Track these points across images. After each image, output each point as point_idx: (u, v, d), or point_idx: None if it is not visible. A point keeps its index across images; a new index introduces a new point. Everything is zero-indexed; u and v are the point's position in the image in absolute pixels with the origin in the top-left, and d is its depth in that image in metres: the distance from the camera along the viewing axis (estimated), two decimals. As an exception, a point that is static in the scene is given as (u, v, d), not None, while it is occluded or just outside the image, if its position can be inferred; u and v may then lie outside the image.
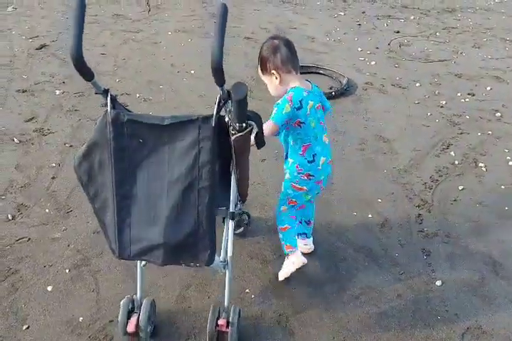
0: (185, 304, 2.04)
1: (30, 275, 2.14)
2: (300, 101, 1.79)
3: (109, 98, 1.38)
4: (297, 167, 1.92)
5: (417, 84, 4.14)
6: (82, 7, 1.24)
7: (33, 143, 3.06)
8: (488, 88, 4.13)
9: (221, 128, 1.37)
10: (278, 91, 1.86)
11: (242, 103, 1.29)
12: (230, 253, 1.67)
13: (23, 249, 2.28)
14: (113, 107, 1.38)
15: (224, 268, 1.71)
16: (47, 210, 2.51)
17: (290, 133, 1.89)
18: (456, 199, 2.74)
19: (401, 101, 3.86)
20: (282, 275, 2.09)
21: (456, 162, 3.09)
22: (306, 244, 2.29)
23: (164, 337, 1.89)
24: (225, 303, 1.77)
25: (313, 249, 2.31)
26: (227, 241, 1.69)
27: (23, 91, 3.69)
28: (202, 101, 3.71)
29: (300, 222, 2.20)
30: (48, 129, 3.21)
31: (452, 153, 3.18)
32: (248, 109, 1.39)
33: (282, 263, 2.13)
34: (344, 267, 2.25)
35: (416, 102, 3.82)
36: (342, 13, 5.99)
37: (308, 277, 2.18)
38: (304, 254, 2.10)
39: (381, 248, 2.37)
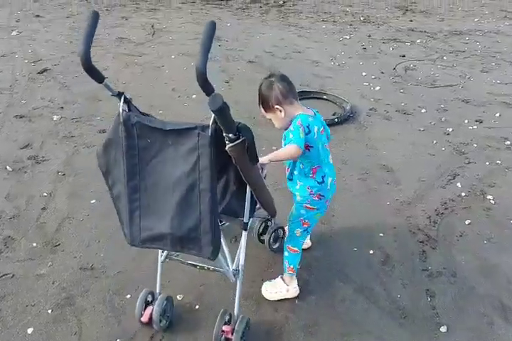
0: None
1: (11, 315, 2.03)
2: (308, 126, 1.85)
3: (122, 100, 1.48)
4: (308, 189, 1.98)
5: (423, 110, 4.04)
6: (95, 17, 1.36)
7: (25, 172, 3.01)
8: (497, 114, 4.02)
9: (219, 138, 1.42)
10: (284, 124, 1.91)
11: (219, 113, 1.31)
12: (241, 262, 1.77)
13: (6, 286, 2.18)
14: (129, 109, 1.50)
15: (235, 276, 1.81)
16: (34, 244, 2.43)
17: (299, 157, 1.91)
18: (463, 234, 2.60)
19: (406, 128, 3.76)
20: (271, 297, 2.15)
21: (463, 194, 2.96)
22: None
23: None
24: (235, 311, 1.84)
25: (310, 245, 2.41)
26: (240, 251, 1.79)
27: (21, 117, 3.68)
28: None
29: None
30: (43, 157, 3.17)
31: (459, 185, 3.05)
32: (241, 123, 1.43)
33: (273, 279, 2.15)
34: (343, 309, 2.11)
35: (421, 129, 3.72)
36: (347, 37, 5.98)
37: (303, 319, 2.05)
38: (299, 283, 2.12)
39: (382, 288, 2.23)
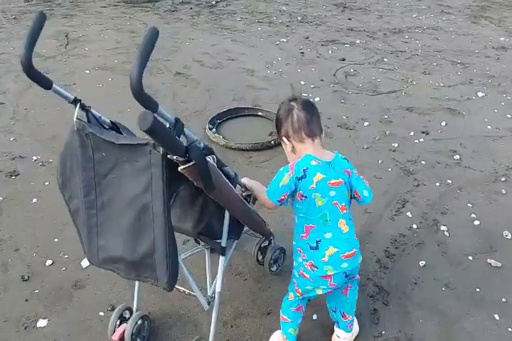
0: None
1: None
2: (304, 170, 1.51)
3: (77, 108, 1.41)
4: (300, 251, 1.61)
5: (366, 123, 3.69)
6: (40, 18, 1.27)
7: None
8: (443, 123, 3.74)
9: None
10: (291, 159, 1.63)
11: (151, 134, 1.06)
12: (218, 289, 1.63)
13: None
14: (87, 117, 1.42)
15: (209, 304, 1.67)
16: None
17: (294, 208, 1.61)
18: (417, 281, 2.24)
19: (349, 146, 3.38)
20: None
21: (415, 226, 2.61)
22: (344, 337, 1.87)
23: None
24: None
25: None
26: (218, 276, 1.64)
27: None
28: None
29: (334, 311, 1.86)
30: None
31: (409, 214, 2.70)
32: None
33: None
34: None
35: (365, 147, 3.36)
36: (284, 40, 5.56)
37: None
38: None
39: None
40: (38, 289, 2.14)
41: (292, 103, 1.59)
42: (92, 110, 1.44)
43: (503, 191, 2.93)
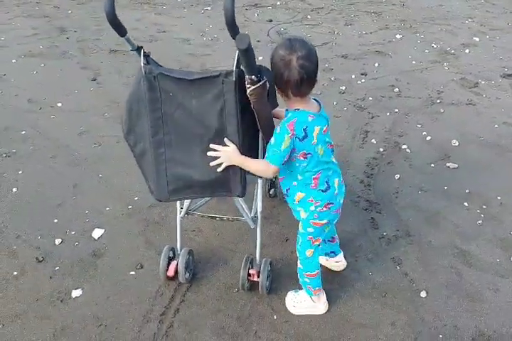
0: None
1: None
2: (304, 130, 1.50)
3: (142, 54, 1.52)
4: (312, 201, 1.65)
5: (311, 73, 3.97)
6: None
7: None
8: (376, 64, 4.14)
9: (242, 83, 1.44)
10: (286, 106, 1.61)
11: (245, 53, 1.30)
12: (259, 209, 1.81)
13: None
14: (147, 63, 1.53)
15: (254, 222, 1.86)
16: None
17: (296, 167, 1.61)
18: (398, 190, 2.61)
19: (303, 94, 3.64)
20: (294, 311, 1.90)
21: (381, 149, 2.97)
22: (337, 261, 2.07)
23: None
24: (257, 255, 1.93)
25: (346, 264, 2.10)
26: (257, 198, 1.80)
27: None
28: (84, 140, 3.07)
29: (324, 242, 1.93)
30: None
31: (373, 141, 3.06)
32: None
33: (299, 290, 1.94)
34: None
35: (319, 93, 3.64)
36: (209, 8, 5.60)
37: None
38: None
39: (351, 269, 2.10)
40: (58, 266, 2.14)
41: (293, 56, 1.44)
42: (150, 56, 1.56)
43: (441, 110, 3.41)
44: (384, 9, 5.62)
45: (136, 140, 1.62)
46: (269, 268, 1.94)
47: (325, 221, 1.68)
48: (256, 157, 1.68)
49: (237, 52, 1.38)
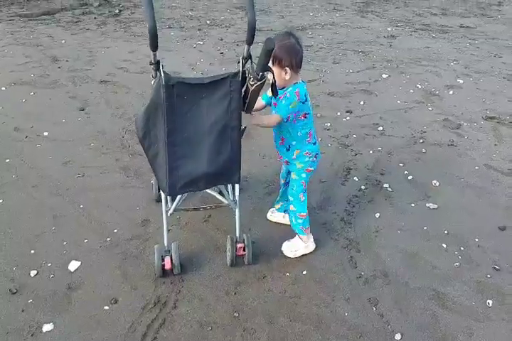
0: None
1: None
2: (305, 95, 2.03)
3: (161, 66, 1.74)
4: (307, 154, 2.20)
5: (298, 109, 4.07)
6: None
7: None
8: (362, 102, 4.27)
9: (244, 81, 1.80)
10: (283, 84, 2.04)
11: (268, 53, 1.66)
12: (237, 194, 2.18)
13: None
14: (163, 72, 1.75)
15: (235, 205, 2.19)
16: None
17: (297, 126, 2.10)
18: (378, 229, 2.63)
19: (289, 129, 3.72)
20: (293, 255, 2.36)
21: (363, 187, 3.02)
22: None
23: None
24: (237, 233, 2.21)
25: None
26: (236, 186, 2.16)
27: None
28: (68, 170, 3.07)
29: (286, 200, 2.45)
30: None
31: (355, 179, 3.10)
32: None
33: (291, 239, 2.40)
34: (296, 346, 1.92)
35: (303, 129, 3.73)
36: (201, 42, 5.78)
37: None
38: None
39: (329, 310, 2.09)
40: (31, 299, 2.09)
41: (297, 46, 1.99)
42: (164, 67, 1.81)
43: (423, 150, 3.49)
44: (371, 49, 5.84)
45: (150, 143, 1.85)
46: (252, 242, 2.26)
47: (313, 168, 2.26)
48: (240, 133, 2.00)
49: (243, 56, 1.80)
